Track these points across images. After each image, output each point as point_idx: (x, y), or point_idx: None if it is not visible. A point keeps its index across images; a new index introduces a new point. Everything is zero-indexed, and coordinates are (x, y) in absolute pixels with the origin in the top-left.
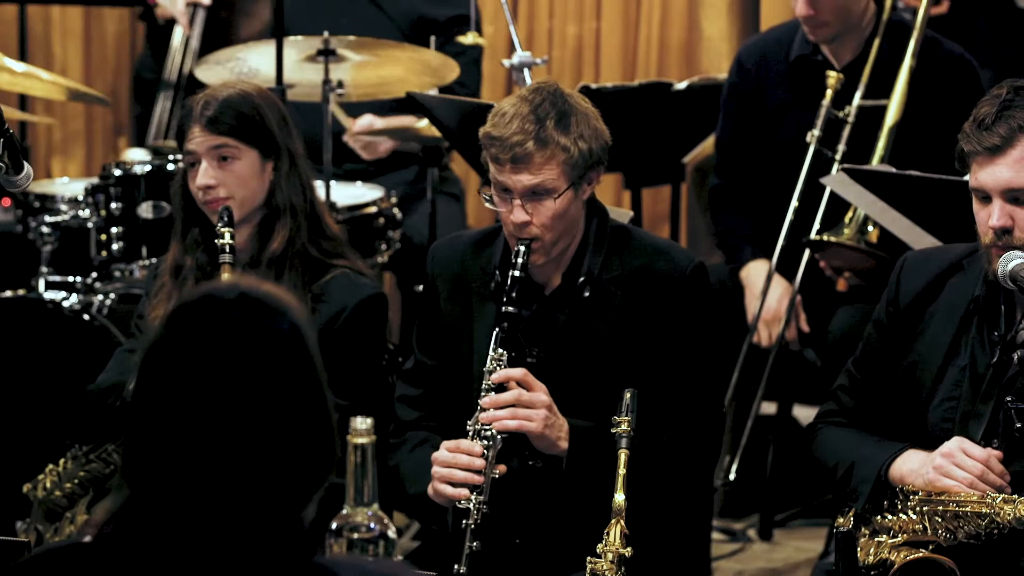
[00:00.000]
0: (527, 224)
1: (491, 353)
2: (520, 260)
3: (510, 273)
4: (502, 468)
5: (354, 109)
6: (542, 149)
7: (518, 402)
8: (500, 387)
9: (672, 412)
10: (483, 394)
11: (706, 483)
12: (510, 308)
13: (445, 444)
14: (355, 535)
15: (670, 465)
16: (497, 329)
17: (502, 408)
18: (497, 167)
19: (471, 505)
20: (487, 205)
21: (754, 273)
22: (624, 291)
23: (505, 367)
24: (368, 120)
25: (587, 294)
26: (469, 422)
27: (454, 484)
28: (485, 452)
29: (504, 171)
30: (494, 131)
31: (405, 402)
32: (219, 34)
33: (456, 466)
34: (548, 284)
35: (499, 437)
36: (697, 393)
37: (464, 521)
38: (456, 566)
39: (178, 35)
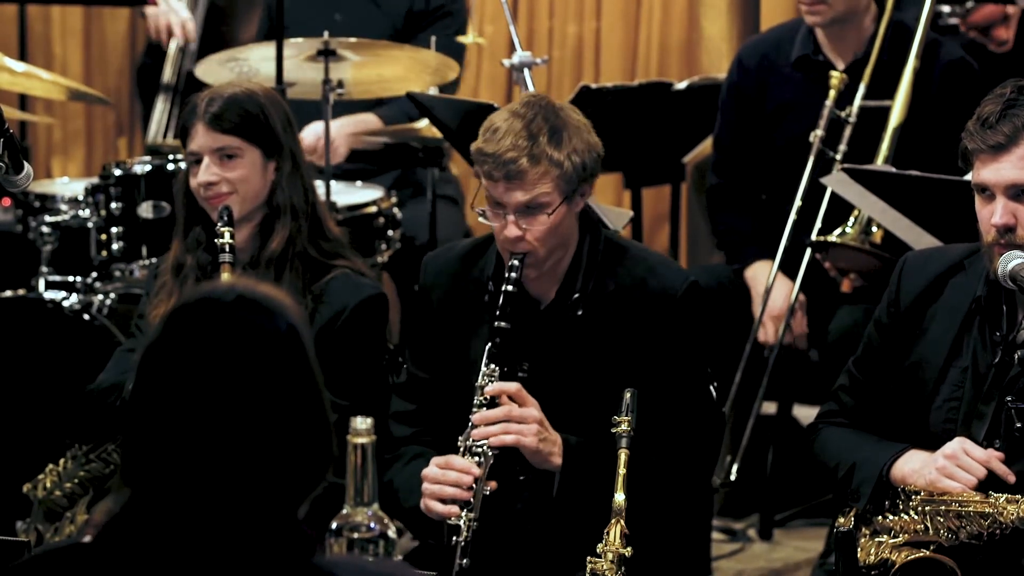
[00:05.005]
0: (521, 239)
1: (483, 368)
2: (514, 275)
3: (503, 288)
4: (493, 484)
5: (345, 108)
6: (535, 166)
7: (509, 417)
8: (492, 403)
9: (671, 416)
10: (475, 409)
11: (706, 483)
12: (502, 323)
13: (435, 460)
14: (355, 535)
15: (670, 465)
16: (489, 344)
17: (493, 424)
18: (490, 183)
19: (461, 522)
20: (480, 220)
21: (759, 273)
22: (618, 309)
23: (498, 382)
24: (313, 133)
25: (580, 312)
26: (460, 438)
27: (444, 501)
28: (477, 466)
29: (497, 187)
30: (486, 147)
31: (399, 419)
32: (215, 42)
33: (445, 483)
34: (543, 299)
35: (491, 453)
36: (695, 398)
37: (455, 538)
38: None
39: (173, 44)
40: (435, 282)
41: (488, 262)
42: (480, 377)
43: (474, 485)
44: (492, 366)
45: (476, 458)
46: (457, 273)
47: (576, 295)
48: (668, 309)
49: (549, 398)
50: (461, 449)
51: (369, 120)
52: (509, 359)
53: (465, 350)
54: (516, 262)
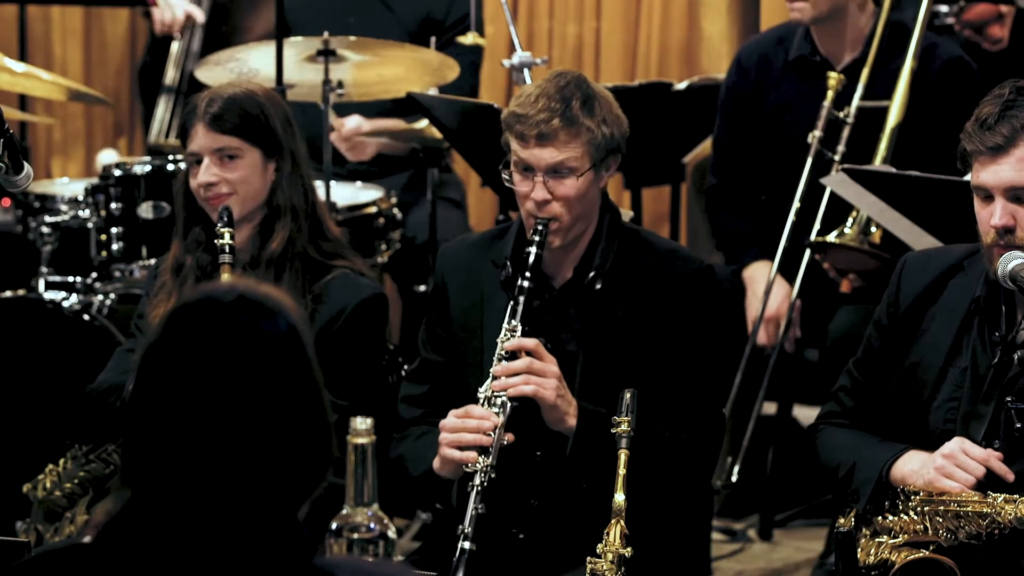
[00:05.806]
0: (548, 202)
1: (505, 325)
2: (538, 238)
3: (527, 251)
4: (510, 436)
5: (343, 110)
6: (568, 127)
7: (530, 370)
8: (512, 358)
9: (674, 412)
10: (495, 363)
11: (706, 483)
12: (526, 283)
13: (453, 412)
14: (355, 535)
15: (671, 465)
16: (512, 301)
17: (514, 376)
18: (521, 143)
19: (478, 468)
20: (507, 185)
21: (757, 274)
22: (634, 289)
23: (518, 338)
24: (356, 121)
25: (599, 286)
26: (480, 389)
27: (462, 449)
28: (496, 415)
29: (528, 147)
30: (519, 109)
31: (409, 401)
32: (218, 42)
33: (465, 430)
34: (559, 277)
35: (510, 404)
36: (700, 393)
37: (470, 483)
38: (460, 527)
39: (176, 44)
40: (452, 268)
41: (506, 246)
42: (502, 333)
43: (493, 433)
44: (514, 323)
45: (495, 408)
46: (474, 258)
47: (593, 272)
48: (685, 291)
49: (563, 374)
50: (481, 400)
51: (398, 126)
52: (529, 320)
53: (481, 331)
54: (541, 226)
